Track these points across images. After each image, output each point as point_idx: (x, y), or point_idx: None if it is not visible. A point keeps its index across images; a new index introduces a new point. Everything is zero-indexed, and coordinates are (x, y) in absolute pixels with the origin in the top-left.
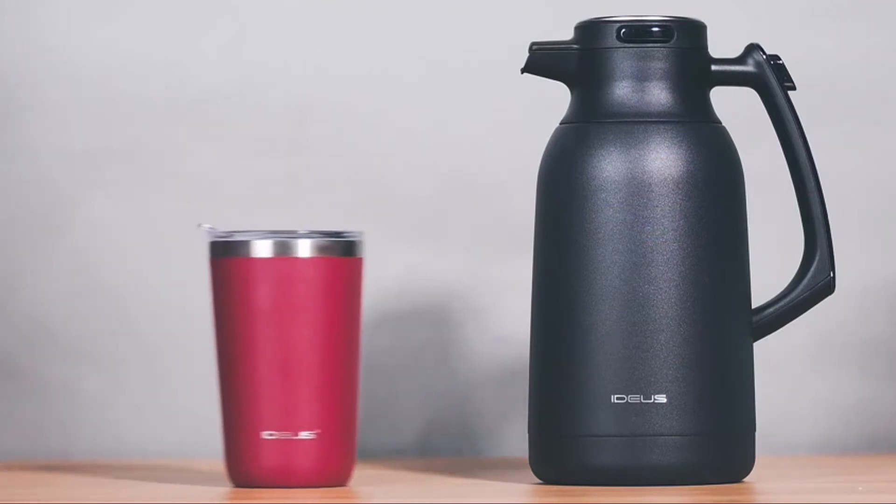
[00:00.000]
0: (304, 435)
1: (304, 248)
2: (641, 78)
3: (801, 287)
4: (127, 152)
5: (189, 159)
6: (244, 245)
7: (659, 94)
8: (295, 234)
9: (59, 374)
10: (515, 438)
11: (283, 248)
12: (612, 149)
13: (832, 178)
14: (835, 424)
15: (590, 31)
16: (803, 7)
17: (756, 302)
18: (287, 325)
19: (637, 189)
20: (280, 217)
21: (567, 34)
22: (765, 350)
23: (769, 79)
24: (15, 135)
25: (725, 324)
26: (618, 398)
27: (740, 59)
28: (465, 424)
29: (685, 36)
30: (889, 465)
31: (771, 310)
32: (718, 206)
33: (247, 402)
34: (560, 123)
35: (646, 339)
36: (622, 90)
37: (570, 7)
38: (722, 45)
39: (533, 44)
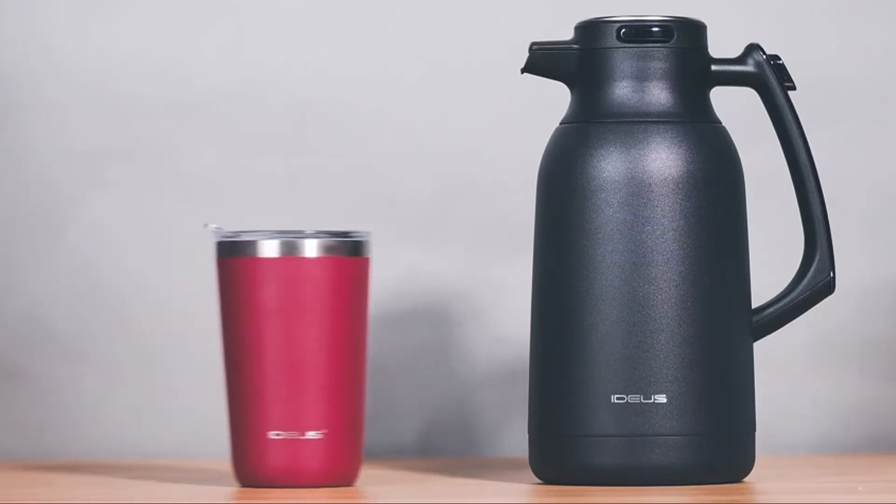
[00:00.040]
0: (311, 435)
1: (310, 248)
2: (641, 78)
3: (801, 287)
4: (127, 152)
5: (189, 159)
6: (251, 245)
7: (659, 94)
8: (302, 234)
9: (59, 374)
10: (515, 438)
11: (290, 248)
12: (612, 149)
13: (832, 178)
14: (835, 424)
15: (590, 31)
16: (803, 7)
17: (756, 302)
18: (294, 325)
19: (637, 189)
20: (280, 217)
21: (567, 34)
22: (765, 350)
23: (769, 79)
24: (15, 135)
25: (725, 324)
26: (618, 398)
27: (740, 59)
28: (465, 424)
29: (685, 36)
30: (889, 465)
31: (771, 310)
32: (718, 206)
33: (254, 402)
34: (560, 123)
35: (646, 339)
36: (622, 90)
37: (570, 7)
38: (722, 45)
39: (533, 44)
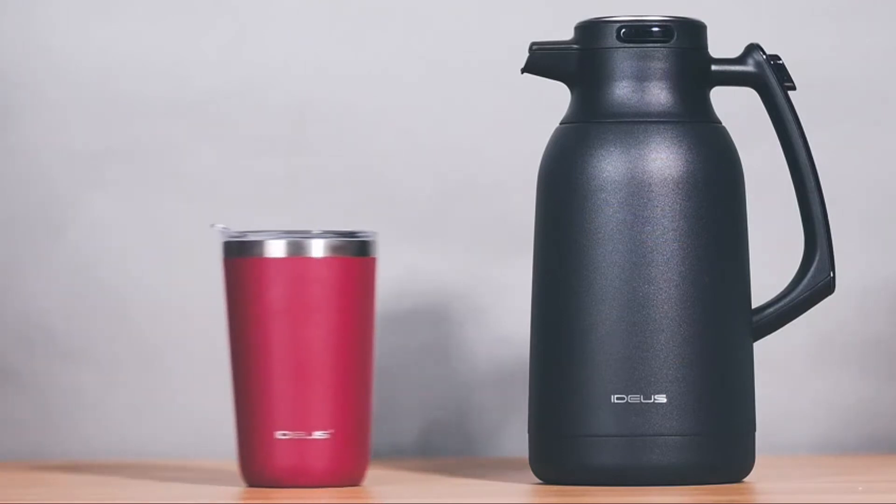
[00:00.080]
0: (318, 435)
1: (317, 248)
2: (641, 78)
3: (801, 287)
4: (127, 152)
5: (189, 159)
6: (257, 245)
7: (659, 94)
8: (308, 234)
9: (59, 374)
10: (515, 438)
11: (297, 248)
12: (612, 149)
13: (832, 178)
14: (835, 424)
15: (590, 31)
16: (803, 7)
17: (756, 302)
18: (300, 325)
19: (637, 189)
20: (280, 217)
21: (567, 34)
22: (765, 350)
23: (769, 79)
24: (15, 135)
25: (725, 324)
26: (618, 398)
27: (740, 59)
28: (465, 424)
29: (685, 36)
30: (889, 465)
31: (771, 310)
32: (718, 206)
33: (260, 402)
34: (560, 123)
35: (646, 339)
36: (622, 90)
37: (570, 7)
38: (722, 45)
39: (533, 44)
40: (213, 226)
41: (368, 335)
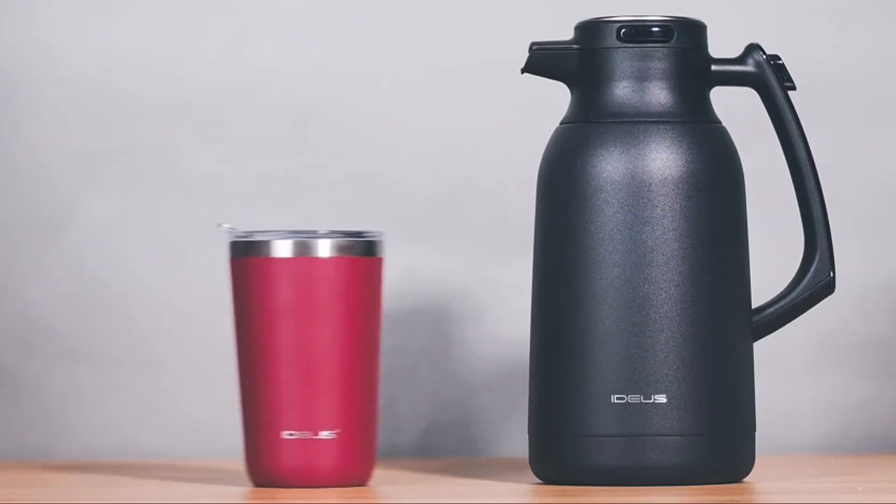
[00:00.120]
0: (325, 434)
1: (324, 248)
2: (641, 78)
3: (801, 287)
4: (127, 152)
5: (189, 159)
6: (264, 245)
7: (659, 94)
8: (315, 234)
9: (59, 375)
10: (515, 438)
11: (304, 247)
12: (612, 149)
13: (832, 178)
14: (835, 424)
15: (590, 31)
16: (803, 7)
17: (756, 302)
18: (307, 325)
19: (637, 189)
20: (280, 217)
21: (567, 34)
22: (765, 350)
23: (769, 79)
24: (15, 135)
25: (725, 324)
26: (618, 398)
27: (740, 59)
28: (465, 424)
29: (685, 36)
30: (889, 465)
31: (771, 310)
32: (718, 206)
33: (267, 402)
34: (560, 123)
35: (646, 339)
36: (622, 90)
37: (570, 7)
38: (722, 45)
39: (533, 44)
40: (219, 225)
41: (375, 335)
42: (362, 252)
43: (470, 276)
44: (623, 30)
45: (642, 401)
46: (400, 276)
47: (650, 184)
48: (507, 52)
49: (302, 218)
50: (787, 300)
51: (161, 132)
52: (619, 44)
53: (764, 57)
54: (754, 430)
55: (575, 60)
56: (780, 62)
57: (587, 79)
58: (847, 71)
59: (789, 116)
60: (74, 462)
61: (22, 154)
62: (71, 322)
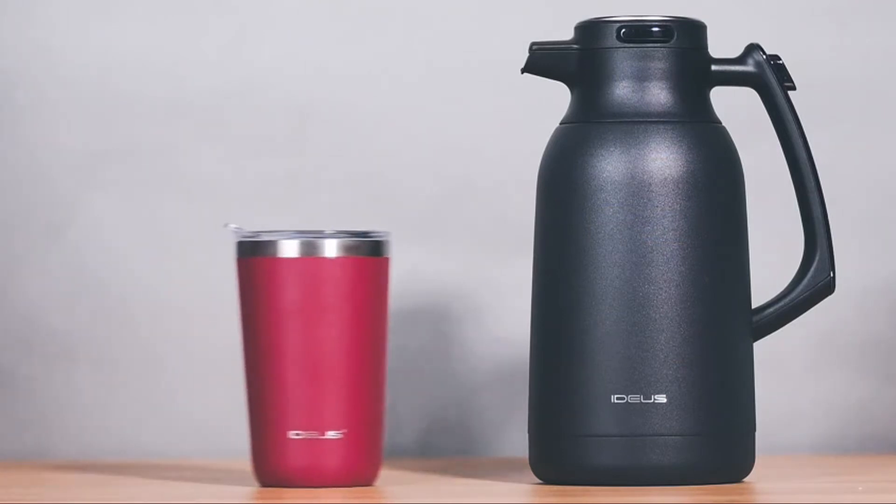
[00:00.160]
0: (331, 434)
1: (330, 248)
2: (641, 78)
3: (801, 287)
4: (127, 152)
5: (189, 159)
6: (271, 245)
7: (659, 94)
8: (322, 234)
9: (59, 375)
10: (515, 438)
11: (310, 247)
12: (612, 149)
13: (832, 178)
14: (835, 424)
15: (590, 31)
16: (803, 7)
17: (756, 302)
18: (314, 325)
19: (637, 189)
20: (280, 217)
21: (567, 34)
22: (765, 350)
23: (769, 79)
24: (15, 135)
25: (725, 324)
26: (618, 398)
27: (740, 59)
28: (465, 424)
29: (685, 36)
30: (889, 465)
31: (771, 310)
32: (718, 206)
33: (273, 402)
34: (560, 123)
35: (646, 339)
36: (622, 90)
37: (570, 7)
38: (722, 45)
39: (533, 44)
40: (226, 225)
41: (381, 335)
42: (369, 252)
43: (470, 276)
44: (623, 30)
45: (642, 401)
46: (400, 276)
47: (650, 184)
48: (507, 52)
49: (302, 218)
50: (787, 300)
51: (161, 132)
52: (619, 44)
53: (764, 57)
54: (754, 430)
55: (575, 60)
56: (780, 62)
57: (587, 79)
58: (847, 71)
59: (789, 116)
60: (74, 462)
61: (22, 154)
62: (71, 322)
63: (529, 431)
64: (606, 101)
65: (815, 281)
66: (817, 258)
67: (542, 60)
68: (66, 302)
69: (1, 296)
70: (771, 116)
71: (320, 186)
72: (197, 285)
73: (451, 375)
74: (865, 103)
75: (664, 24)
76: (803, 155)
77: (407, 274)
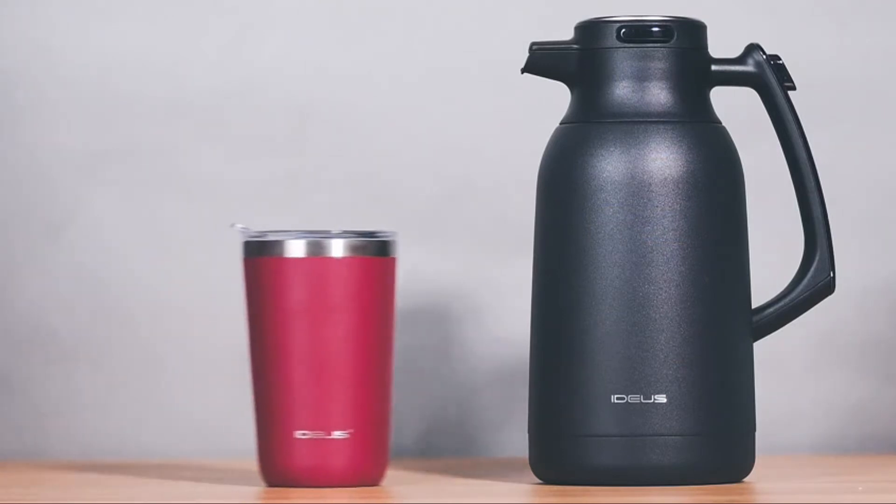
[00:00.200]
0: (337, 434)
1: (337, 248)
2: (641, 78)
3: (801, 287)
4: (127, 152)
5: (189, 159)
6: (277, 245)
7: (659, 94)
8: (328, 234)
9: (59, 375)
10: (515, 438)
11: (317, 247)
12: (612, 149)
13: (832, 178)
14: (835, 424)
15: (590, 31)
16: (803, 7)
17: (756, 302)
18: (320, 325)
19: (637, 189)
20: (280, 217)
21: (567, 34)
22: (765, 350)
23: (769, 79)
24: (15, 135)
25: (725, 324)
26: (618, 398)
27: (740, 59)
28: (465, 424)
29: (685, 36)
30: (889, 465)
31: (771, 310)
32: (718, 206)
33: (280, 402)
34: (560, 123)
35: (646, 339)
36: (622, 90)
37: (570, 7)
38: (722, 45)
39: (533, 44)
40: (232, 225)
41: (388, 335)
42: (375, 252)
43: (470, 276)
44: (623, 30)
45: (642, 401)
46: (400, 276)
47: (650, 184)
48: (507, 52)
49: (302, 218)
50: (787, 300)
51: (161, 132)
52: (619, 44)
53: (764, 57)
54: (754, 430)
55: (575, 60)
56: (780, 62)
57: (587, 79)
58: (847, 71)
59: (789, 116)
60: (74, 462)
61: (22, 154)
62: (71, 322)
63: (529, 431)
64: (606, 101)
65: (815, 281)
66: (817, 258)
67: (542, 60)
68: (66, 302)
69: (1, 296)
70: (771, 116)
71: (320, 186)
72: (197, 285)
73: (451, 375)
74: (865, 103)
75: (664, 24)
76: (803, 155)
77: (407, 274)
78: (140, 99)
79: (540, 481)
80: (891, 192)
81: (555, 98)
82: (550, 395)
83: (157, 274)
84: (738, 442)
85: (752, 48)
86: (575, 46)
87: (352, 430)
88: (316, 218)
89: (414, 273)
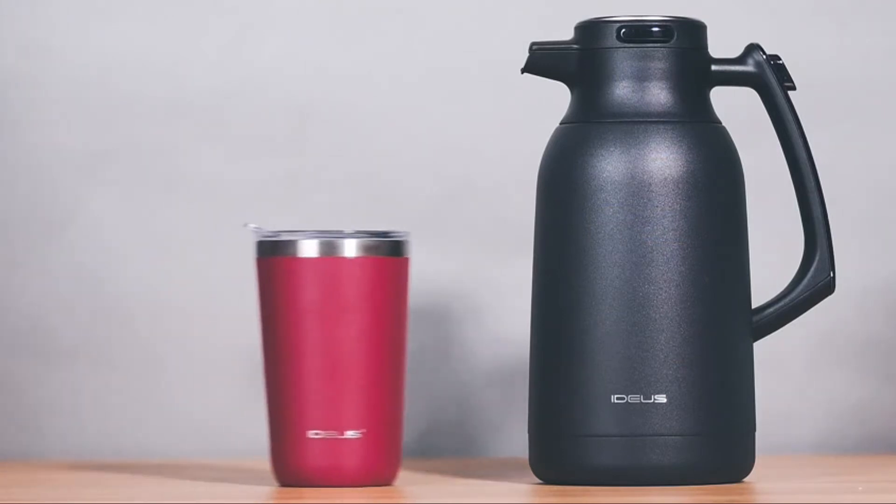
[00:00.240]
0: (350, 434)
1: (350, 248)
2: (641, 78)
3: (801, 287)
4: (127, 152)
5: (189, 159)
6: (290, 245)
7: (659, 94)
8: (341, 234)
9: (59, 374)
10: (515, 438)
11: (330, 247)
12: (612, 149)
13: (832, 178)
14: (835, 424)
15: (590, 31)
16: (803, 7)
17: (756, 302)
18: (333, 325)
19: (637, 189)
20: (280, 217)
21: (567, 34)
22: (765, 350)
23: (769, 79)
24: (15, 134)
25: (725, 324)
26: (618, 398)
27: (740, 59)
28: (465, 424)
29: (685, 36)
30: (889, 465)
31: (771, 310)
32: (718, 206)
33: (293, 402)
34: (560, 123)
35: (646, 339)
36: (622, 90)
37: (570, 7)
38: (722, 45)
39: (533, 44)
40: (245, 225)
41: (401, 335)
42: (388, 252)
43: (470, 276)
44: (623, 30)
45: (642, 401)
46: None
47: (650, 184)
48: (507, 52)
49: (302, 218)
50: (787, 300)
51: (161, 132)
52: (619, 44)
53: (764, 57)
54: (754, 430)
55: (575, 60)
56: (780, 62)
57: (587, 79)
58: (847, 71)
59: (789, 116)
60: (74, 462)
61: (22, 154)
62: (71, 322)
63: (529, 431)
64: (606, 101)
65: (815, 281)
66: (817, 258)
67: (542, 60)
68: (66, 302)
69: (1, 296)
70: (771, 116)
71: (320, 186)
72: (197, 285)
73: (451, 375)
74: (865, 103)
75: (664, 24)
76: (803, 155)
77: None
78: (140, 99)
79: (540, 481)
80: (891, 192)
81: (555, 98)
82: (550, 395)
83: (157, 274)
84: (738, 442)
85: (752, 48)
86: (575, 46)
87: (364, 430)
88: (316, 218)
89: (414, 273)
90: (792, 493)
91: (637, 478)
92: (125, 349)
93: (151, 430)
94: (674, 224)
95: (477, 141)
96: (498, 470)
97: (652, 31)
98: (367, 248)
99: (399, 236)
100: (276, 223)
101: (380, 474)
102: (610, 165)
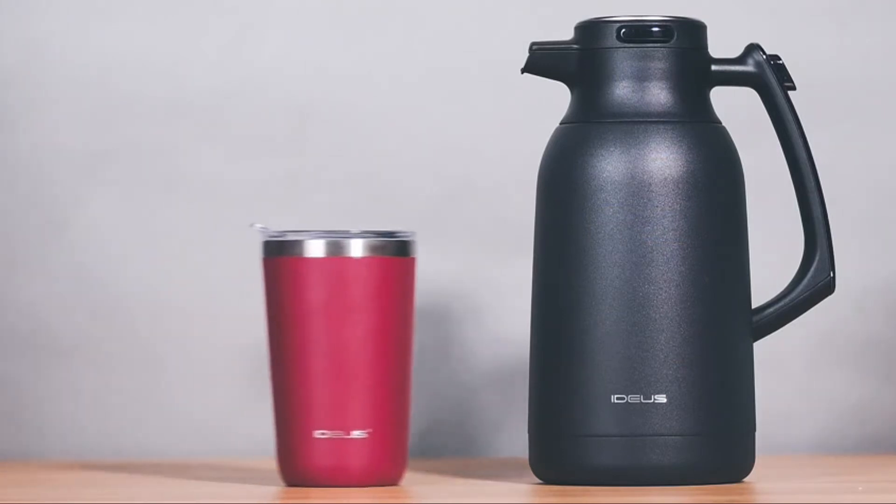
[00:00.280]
0: (356, 434)
1: (356, 248)
2: (641, 78)
3: (801, 287)
4: (127, 152)
5: (189, 159)
6: (297, 245)
7: (659, 94)
8: (348, 234)
9: (58, 374)
10: (515, 438)
11: (336, 247)
12: (612, 149)
13: (832, 178)
14: (835, 424)
15: (590, 31)
16: (803, 7)
17: (756, 302)
18: (339, 325)
19: (637, 189)
20: (280, 217)
21: (567, 34)
22: (765, 350)
23: (769, 79)
24: (15, 134)
25: (725, 324)
26: (618, 398)
27: (740, 59)
28: (465, 424)
29: (685, 36)
30: (889, 465)
31: (771, 310)
32: (718, 206)
33: (299, 401)
34: (560, 123)
35: (646, 339)
36: (622, 90)
37: (570, 7)
38: (722, 45)
39: (533, 44)
40: (252, 225)
41: (407, 335)
42: (395, 252)
43: (470, 276)
44: (623, 30)
45: (642, 401)
46: None
47: (650, 184)
48: (507, 52)
49: (302, 218)
50: (787, 300)
51: (161, 132)
52: (619, 44)
53: (764, 57)
54: (754, 430)
55: (575, 60)
56: (780, 62)
57: (587, 79)
58: (847, 71)
59: (789, 116)
60: (74, 462)
61: (22, 154)
62: (71, 322)
63: (529, 431)
64: (606, 101)
65: (815, 281)
66: (817, 258)
67: (542, 60)
68: (66, 302)
69: (1, 296)
70: (771, 116)
71: (320, 186)
72: (197, 285)
73: (451, 375)
74: (865, 103)
75: (664, 24)
76: (803, 155)
77: None
78: (140, 99)
79: (540, 481)
80: (891, 192)
81: (555, 98)
82: (550, 395)
83: (157, 274)
84: (738, 442)
85: (752, 48)
86: (575, 46)
87: (371, 430)
88: (316, 218)
89: None
90: (792, 493)
91: (637, 478)
92: (125, 349)
93: (151, 430)
94: (674, 224)
95: (477, 141)
96: (498, 470)
97: (652, 31)
98: (374, 248)
99: (405, 236)
100: (276, 223)
101: (386, 474)
102: (610, 165)
